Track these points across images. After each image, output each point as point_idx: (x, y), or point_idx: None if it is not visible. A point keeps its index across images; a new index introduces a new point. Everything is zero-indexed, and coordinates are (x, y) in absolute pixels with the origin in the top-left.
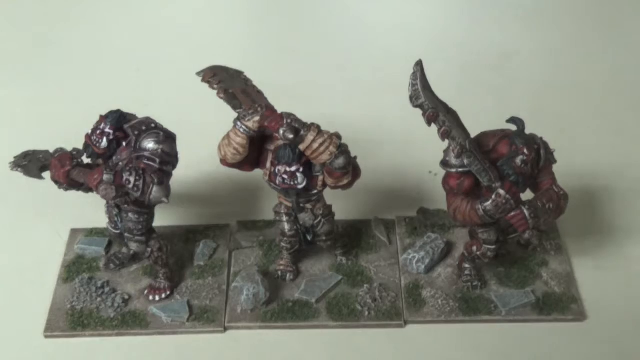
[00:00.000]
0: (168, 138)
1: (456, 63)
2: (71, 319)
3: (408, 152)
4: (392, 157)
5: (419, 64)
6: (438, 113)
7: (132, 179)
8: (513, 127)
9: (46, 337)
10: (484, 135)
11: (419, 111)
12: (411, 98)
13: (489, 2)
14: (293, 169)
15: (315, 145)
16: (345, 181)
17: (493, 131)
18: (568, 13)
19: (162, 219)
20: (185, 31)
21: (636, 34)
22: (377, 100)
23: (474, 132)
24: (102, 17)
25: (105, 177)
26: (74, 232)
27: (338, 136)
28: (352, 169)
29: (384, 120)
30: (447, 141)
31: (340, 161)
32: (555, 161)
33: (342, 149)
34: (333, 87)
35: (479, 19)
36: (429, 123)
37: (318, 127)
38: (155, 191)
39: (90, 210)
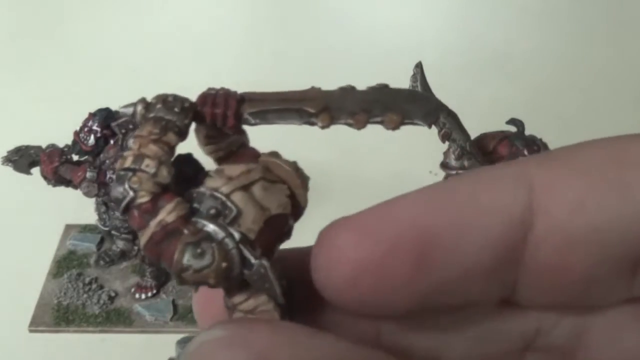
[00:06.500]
0: None
1: (456, 64)
2: (56, 314)
3: (408, 154)
4: (392, 159)
5: (419, 66)
6: (438, 115)
7: (114, 177)
8: (513, 129)
9: (30, 331)
10: (484, 137)
11: None
12: None
13: (489, 2)
14: None
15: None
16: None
17: (493, 133)
18: (568, 13)
19: None
20: (184, 31)
21: (637, 34)
22: None
23: (473, 134)
24: (101, 16)
25: (89, 174)
26: (69, 227)
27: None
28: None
29: None
30: (447, 143)
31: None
32: None
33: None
34: (332, 87)
35: (478, 19)
36: (429, 125)
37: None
38: None
39: (87, 205)
